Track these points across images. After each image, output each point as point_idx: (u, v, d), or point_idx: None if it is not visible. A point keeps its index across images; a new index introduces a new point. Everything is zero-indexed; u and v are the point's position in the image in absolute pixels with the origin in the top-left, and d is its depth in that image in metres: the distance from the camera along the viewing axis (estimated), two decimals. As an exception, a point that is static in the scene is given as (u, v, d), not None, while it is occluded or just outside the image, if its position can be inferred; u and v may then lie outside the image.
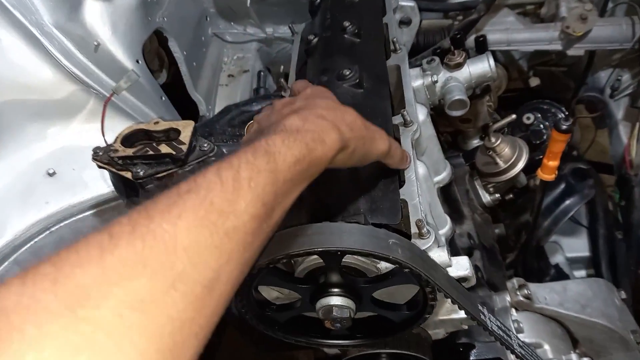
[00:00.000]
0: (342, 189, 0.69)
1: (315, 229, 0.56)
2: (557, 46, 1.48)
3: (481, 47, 1.12)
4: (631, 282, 1.43)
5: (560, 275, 1.39)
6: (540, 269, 1.34)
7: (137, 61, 1.24)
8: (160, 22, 1.35)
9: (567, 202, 1.22)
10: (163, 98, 1.33)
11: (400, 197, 0.70)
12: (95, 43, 1.17)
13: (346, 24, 0.97)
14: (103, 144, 1.11)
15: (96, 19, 1.18)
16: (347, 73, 0.85)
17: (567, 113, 1.39)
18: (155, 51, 1.50)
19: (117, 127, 1.18)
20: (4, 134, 1.12)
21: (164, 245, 0.37)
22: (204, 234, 0.40)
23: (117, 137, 0.96)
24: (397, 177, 0.73)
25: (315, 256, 0.60)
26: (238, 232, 0.42)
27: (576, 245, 1.54)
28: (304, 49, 1.03)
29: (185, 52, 1.47)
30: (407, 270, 0.56)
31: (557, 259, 1.49)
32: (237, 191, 0.43)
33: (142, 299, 0.34)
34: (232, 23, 1.71)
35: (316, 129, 0.53)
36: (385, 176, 0.72)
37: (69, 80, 1.12)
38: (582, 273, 1.54)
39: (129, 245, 0.36)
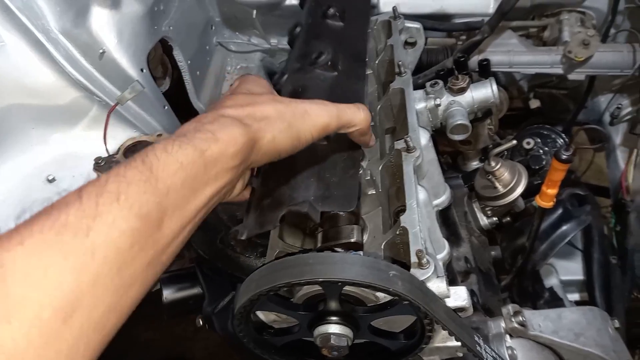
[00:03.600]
0: (296, 178, 0.67)
1: (317, 258, 0.56)
2: (559, 70, 1.50)
3: (485, 71, 1.13)
4: (625, 307, 1.44)
5: (554, 298, 1.39)
6: (535, 291, 1.34)
7: (142, 70, 1.25)
8: (166, 31, 1.36)
9: (564, 227, 1.23)
10: (166, 107, 1.33)
11: (401, 225, 0.70)
12: (101, 50, 1.17)
13: (328, 8, 0.97)
14: (104, 152, 1.12)
15: (102, 26, 1.19)
16: (319, 57, 0.84)
17: (567, 141, 1.40)
18: (159, 58, 1.51)
19: (119, 135, 1.19)
20: (7, 137, 1.12)
21: None
22: (54, 256, 0.36)
23: (119, 148, 0.96)
24: (358, 161, 0.71)
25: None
26: (105, 249, 0.39)
27: (571, 268, 1.55)
28: (288, 40, 1.03)
29: (189, 61, 1.47)
30: (406, 302, 0.57)
31: (551, 281, 1.49)
32: (100, 206, 0.40)
33: None
34: (237, 33, 1.72)
35: (209, 129, 0.50)
36: (345, 161, 0.71)
37: (73, 87, 1.13)
38: (575, 296, 1.55)
39: None
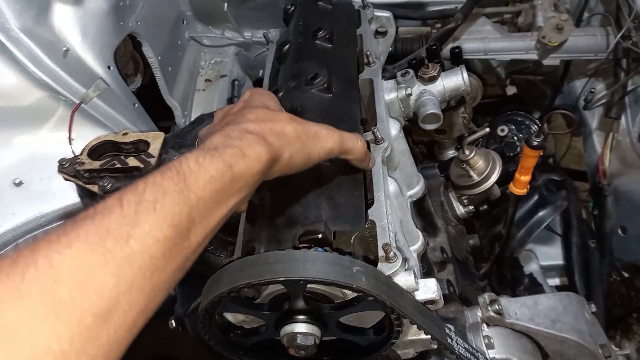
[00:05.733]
0: (305, 196, 0.68)
1: (278, 257, 0.55)
2: (534, 55, 1.49)
3: (456, 58, 1.12)
4: (605, 290, 1.45)
5: (533, 284, 1.40)
6: (514, 278, 1.35)
7: (109, 67, 1.21)
8: (133, 27, 1.32)
9: (541, 213, 1.23)
10: (136, 105, 1.30)
11: (369, 218, 0.69)
12: (65, 48, 1.14)
13: (318, 29, 0.96)
14: (72, 154, 1.08)
15: (65, 23, 1.15)
16: (315, 78, 0.84)
17: (540, 127, 1.40)
18: (130, 55, 1.47)
19: (87, 135, 1.16)
20: (-33, 142, 1.09)
21: (46, 275, 0.36)
22: (98, 261, 0.39)
23: (83, 149, 0.93)
24: (362, 182, 0.72)
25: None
26: (141, 257, 0.41)
27: (550, 254, 1.55)
28: (276, 56, 1.02)
29: (160, 57, 1.44)
30: (371, 298, 0.55)
31: (531, 267, 1.50)
32: (139, 214, 0.42)
33: (13, 328, 0.34)
34: (209, 27, 1.69)
35: (238, 144, 0.53)
36: (350, 181, 0.71)
37: (37, 87, 1.09)
38: (555, 281, 1.56)
39: (6, 278, 0.36)
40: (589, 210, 1.58)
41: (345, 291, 0.62)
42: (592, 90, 1.48)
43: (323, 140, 0.63)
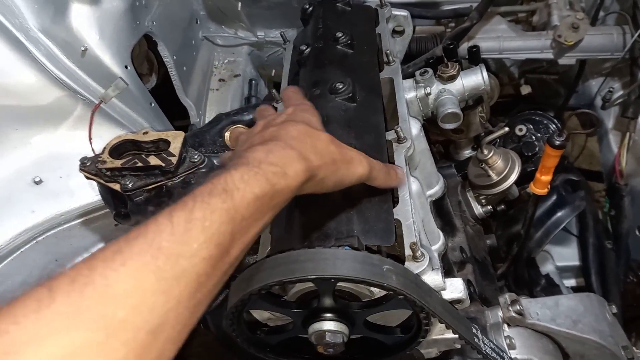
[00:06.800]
0: (335, 209, 0.68)
1: (308, 255, 0.55)
2: (549, 55, 1.48)
3: (474, 58, 1.12)
4: (620, 291, 1.44)
5: (550, 284, 1.39)
6: (531, 279, 1.34)
7: (126, 67, 1.22)
8: (149, 27, 1.33)
9: (559, 214, 1.22)
10: (152, 104, 1.30)
11: (394, 217, 0.69)
12: (82, 48, 1.14)
13: (339, 34, 0.96)
14: (90, 152, 1.09)
15: (83, 23, 1.15)
16: (340, 86, 0.84)
17: (560, 126, 1.39)
18: (145, 55, 1.48)
19: (105, 134, 1.16)
20: (-13, 140, 1.10)
21: (104, 294, 0.37)
22: (150, 279, 0.40)
23: (105, 148, 0.94)
24: (390, 196, 0.72)
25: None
26: (188, 275, 0.42)
27: (566, 254, 1.54)
28: (296, 58, 1.02)
29: (175, 57, 1.44)
30: (401, 297, 0.55)
31: (547, 268, 1.49)
32: (188, 233, 0.43)
33: (74, 352, 0.34)
34: (222, 26, 1.69)
35: (279, 162, 0.54)
36: (379, 195, 0.71)
37: (55, 86, 1.10)
38: (572, 282, 1.54)
39: (66, 297, 0.36)
40: (605, 211, 1.57)
41: (373, 289, 0.61)
42: (611, 89, 1.47)
43: (356, 166, 0.63)
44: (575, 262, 1.52)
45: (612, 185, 1.52)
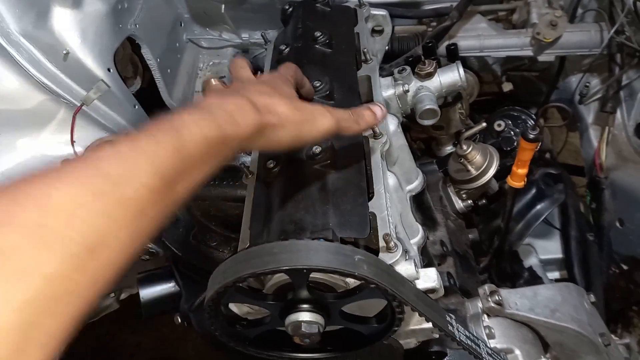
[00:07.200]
0: (311, 204, 0.69)
1: (281, 247, 0.56)
2: (529, 52, 1.51)
3: (452, 55, 1.14)
4: (603, 282, 1.47)
5: (533, 277, 1.41)
6: (514, 272, 1.36)
7: (109, 69, 1.22)
8: (132, 29, 1.34)
9: (538, 206, 1.24)
10: (136, 107, 1.31)
11: (369, 210, 0.70)
12: (65, 51, 1.15)
13: (317, 34, 0.98)
14: (73, 155, 1.10)
15: (65, 26, 1.16)
16: (318, 84, 0.86)
17: (535, 121, 1.41)
18: (129, 57, 1.48)
19: (89, 137, 1.17)
20: (-29, 145, 1.10)
21: (41, 206, 0.38)
22: (90, 199, 0.40)
23: (85, 150, 0.95)
24: (365, 190, 0.73)
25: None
26: (131, 201, 0.43)
27: (549, 247, 1.56)
28: (276, 58, 1.03)
29: (159, 59, 1.45)
30: (373, 285, 0.57)
31: (530, 261, 1.51)
32: (133, 160, 0.44)
33: (3, 250, 0.35)
34: (207, 29, 1.70)
35: (232, 109, 0.56)
36: (355, 189, 0.73)
37: (38, 90, 1.10)
38: (555, 274, 1.57)
39: (1, 204, 0.38)
40: (587, 204, 1.60)
41: (348, 281, 0.63)
42: (587, 84, 1.50)
43: (319, 121, 0.64)
44: (559, 255, 1.54)
45: (592, 178, 1.55)
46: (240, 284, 0.57)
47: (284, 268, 0.55)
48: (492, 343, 0.92)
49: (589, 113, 1.62)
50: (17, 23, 1.06)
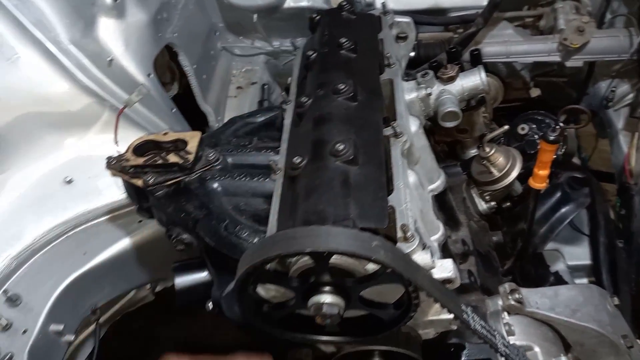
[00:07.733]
0: (333, 196, 0.73)
1: (304, 232, 0.61)
2: (556, 58, 1.51)
3: (475, 60, 1.17)
4: (631, 289, 1.45)
5: (559, 282, 1.41)
6: (539, 275, 1.36)
7: (149, 75, 1.31)
8: (170, 38, 1.43)
9: (563, 210, 1.25)
10: (173, 110, 1.39)
11: (389, 204, 0.74)
12: (109, 58, 1.24)
13: (342, 40, 1.03)
14: (116, 154, 1.18)
15: (109, 35, 1.26)
16: (342, 87, 0.90)
17: (556, 122, 1.42)
18: (167, 64, 1.58)
19: (130, 137, 1.25)
20: (23, 144, 1.20)
21: None
22: None
23: (128, 147, 1.02)
24: (385, 185, 0.77)
25: (307, 257, 0.64)
26: None
27: (577, 254, 1.55)
28: (303, 63, 1.09)
29: (195, 66, 1.54)
30: (389, 270, 0.61)
31: (557, 266, 1.50)
32: None
33: None
34: (240, 37, 1.78)
35: None
36: (375, 184, 0.77)
37: (85, 93, 1.20)
38: (583, 281, 1.55)
39: None
40: (616, 210, 1.58)
41: (367, 267, 0.67)
42: (613, 89, 1.50)
43: None
44: (587, 261, 1.53)
45: (622, 184, 1.53)
46: (267, 267, 0.62)
47: (307, 250, 0.59)
48: (512, 340, 0.93)
49: (619, 119, 1.62)
50: (66, 32, 1.16)
